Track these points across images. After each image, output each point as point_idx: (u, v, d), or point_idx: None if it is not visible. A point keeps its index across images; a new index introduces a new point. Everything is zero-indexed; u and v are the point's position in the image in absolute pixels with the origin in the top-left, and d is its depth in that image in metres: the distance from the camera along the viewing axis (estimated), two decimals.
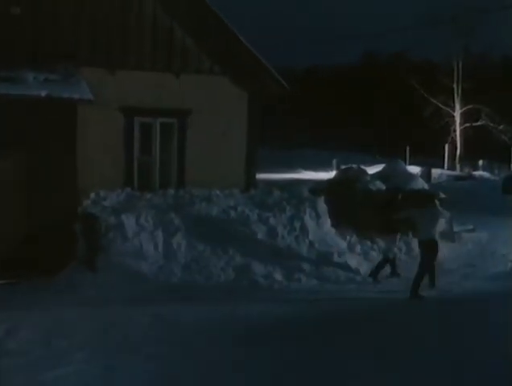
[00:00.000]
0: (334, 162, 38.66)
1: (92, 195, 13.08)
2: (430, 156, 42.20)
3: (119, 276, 11.19)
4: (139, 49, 14.32)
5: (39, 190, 11.87)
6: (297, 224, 13.75)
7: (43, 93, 11.82)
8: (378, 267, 13.02)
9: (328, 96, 57.62)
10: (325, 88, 59.42)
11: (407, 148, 41.83)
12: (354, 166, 18.15)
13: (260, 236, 13.19)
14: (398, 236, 13.60)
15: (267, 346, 8.52)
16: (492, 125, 43.67)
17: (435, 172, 36.00)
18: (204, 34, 14.79)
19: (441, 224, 12.17)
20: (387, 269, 13.23)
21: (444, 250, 15.40)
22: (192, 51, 14.82)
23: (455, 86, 45.33)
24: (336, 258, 13.36)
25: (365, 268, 13.37)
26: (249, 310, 10.39)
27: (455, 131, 45.64)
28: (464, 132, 45.33)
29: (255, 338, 8.94)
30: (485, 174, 37.84)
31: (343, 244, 14.24)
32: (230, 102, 15.18)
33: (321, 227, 14.12)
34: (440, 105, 44.93)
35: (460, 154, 44.70)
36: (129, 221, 11.99)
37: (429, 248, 11.70)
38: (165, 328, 9.31)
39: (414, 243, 15.37)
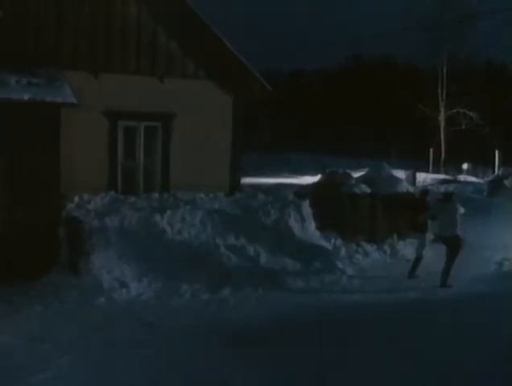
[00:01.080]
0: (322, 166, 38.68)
1: (76, 199, 12.99)
2: (415, 159, 42.41)
3: (103, 279, 11.10)
4: (123, 53, 14.27)
5: (21, 194, 11.76)
6: (282, 227, 13.73)
7: (26, 97, 11.72)
8: (414, 266, 13.44)
9: (314, 100, 57.79)
10: (311, 92, 59.59)
11: (394, 151, 42.00)
12: (339, 169, 18.21)
13: (244, 239, 13.13)
14: (427, 236, 13.83)
15: (253, 349, 8.49)
16: (476, 128, 43.96)
17: (420, 176, 36.13)
18: (188, 38, 14.78)
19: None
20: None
21: (429, 252, 15.50)
22: (176, 55, 14.80)
23: (439, 90, 45.64)
24: (321, 261, 13.35)
25: (350, 271, 13.39)
26: (234, 313, 10.38)
27: (439, 135, 45.91)
28: (448, 136, 45.59)
29: (241, 341, 8.91)
30: (470, 178, 38.05)
31: (328, 247, 14.24)
32: (215, 106, 15.17)
33: (306, 230, 14.12)
34: (425, 109, 45.18)
35: (444, 158, 44.95)
36: (112, 224, 11.91)
37: (453, 244, 12.73)
38: (148, 332, 9.27)
39: (400, 245, 15.51)
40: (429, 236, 13.98)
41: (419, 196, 14.59)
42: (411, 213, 13.87)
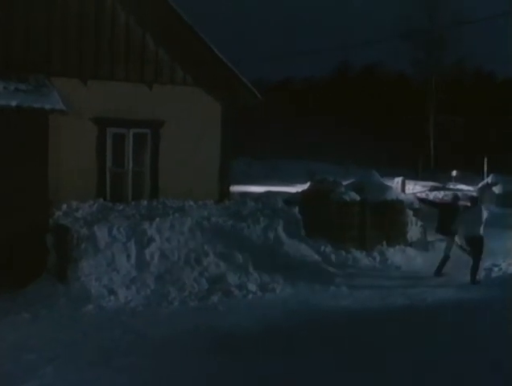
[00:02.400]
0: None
1: (64, 206, 12.92)
2: (404, 167, 42.56)
3: (91, 287, 11.03)
4: (112, 60, 14.23)
5: (9, 201, 11.68)
6: (271, 235, 13.72)
7: (14, 103, 11.68)
8: (441, 265, 14.27)
9: (302, 107, 57.91)
10: (299, 99, 59.72)
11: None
12: (328, 177, 18.21)
13: (234, 246, 13.11)
14: (456, 238, 14.57)
15: (240, 358, 8.45)
16: (465, 135, 44.23)
17: (409, 183, 36.26)
18: (177, 45, 14.78)
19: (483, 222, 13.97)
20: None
21: (418, 259, 15.56)
22: (165, 62, 14.79)
23: (428, 98, 45.88)
24: (310, 268, 13.34)
25: (339, 278, 13.38)
26: (223, 321, 10.33)
27: (429, 142, 46.12)
28: (437, 143, 45.81)
29: (230, 349, 8.86)
30: (460, 185, 38.20)
31: (317, 254, 14.24)
32: (203, 112, 15.16)
33: (295, 238, 14.10)
34: (414, 117, 45.41)
35: (433, 165, 45.15)
36: (101, 232, 11.84)
37: (479, 243, 13.79)
38: (136, 340, 9.21)
39: (389, 252, 15.53)
40: (456, 238, 14.61)
41: (451, 201, 15.24)
42: (444, 216, 14.57)
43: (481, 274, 14.02)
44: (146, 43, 14.56)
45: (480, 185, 31.79)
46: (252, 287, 12.22)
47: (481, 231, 13.89)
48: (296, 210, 14.97)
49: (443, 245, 15.49)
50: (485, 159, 39.28)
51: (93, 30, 14.01)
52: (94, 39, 14.02)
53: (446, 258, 14.40)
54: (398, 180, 34.03)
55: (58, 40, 13.65)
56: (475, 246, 13.90)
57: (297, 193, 17.84)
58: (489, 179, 31.35)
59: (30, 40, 13.37)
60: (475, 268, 13.69)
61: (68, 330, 9.54)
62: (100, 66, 14.11)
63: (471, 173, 41.28)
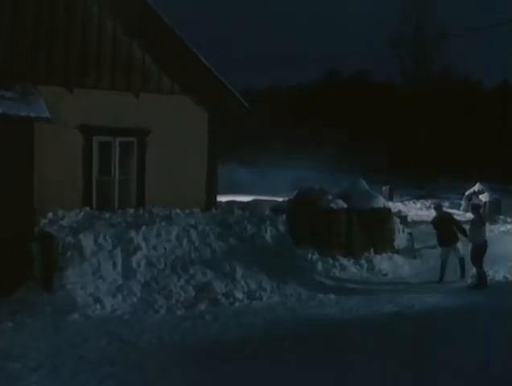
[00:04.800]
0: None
1: (50, 215, 12.84)
2: (392, 175, 42.69)
3: (77, 295, 10.95)
4: (98, 68, 14.20)
5: None
6: (258, 243, 13.71)
7: None
8: (442, 271, 14.67)
9: (290, 115, 57.95)
10: (287, 108, 59.76)
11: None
12: (315, 185, 18.22)
13: (221, 254, 13.09)
14: (459, 244, 14.98)
15: (227, 366, 8.41)
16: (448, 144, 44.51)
17: (397, 191, 36.37)
18: (164, 54, 14.78)
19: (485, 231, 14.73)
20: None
21: (405, 266, 15.59)
22: (152, 71, 14.77)
23: (415, 107, 46.13)
24: (297, 276, 13.33)
25: (326, 286, 13.36)
26: (210, 329, 10.29)
27: (417, 150, 46.32)
28: (425, 151, 46.03)
29: (216, 357, 8.82)
30: (447, 193, 38.32)
31: (305, 262, 14.23)
32: (191, 121, 15.15)
33: (282, 245, 14.10)
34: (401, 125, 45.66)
35: (420, 173, 45.33)
36: (87, 240, 11.78)
37: (481, 249, 14.19)
38: (122, 348, 9.15)
39: (377, 259, 15.53)
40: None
41: (472, 211, 15.84)
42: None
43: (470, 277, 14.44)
44: (133, 51, 14.54)
45: (467, 193, 31.92)
46: (239, 295, 12.20)
47: (485, 237, 14.40)
48: (283, 218, 14.98)
49: (431, 253, 15.58)
50: (474, 168, 39.48)
51: (80, 39, 13.98)
52: (81, 48, 13.99)
53: (444, 263, 14.70)
54: (385, 188, 34.16)
55: (44, 48, 13.62)
56: (479, 251, 14.19)
57: (284, 201, 17.83)
58: (475, 187, 31.49)
59: (17, 48, 13.33)
60: (481, 273, 14.15)
61: (52, 339, 9.46)
62: (86, 74, 14.07)
63: (459, 181, 41.42)
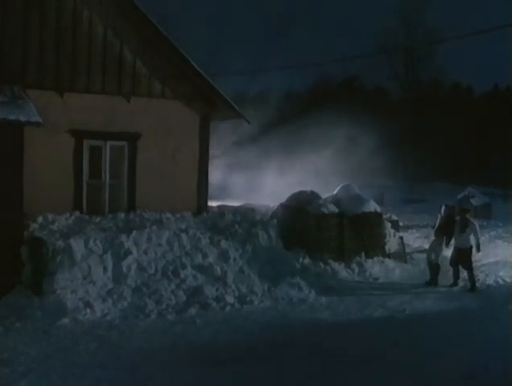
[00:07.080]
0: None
1: (40, 219, 12.80)
2: (384, 179, 42.70)
3: (67, 300, 10.89)
4: (89, 72, 14.18)
5: None
6: (249, 247, 13.69)
7: None
8: (434, 275, 14.70)
9: (281, 120, 57.85)
10: (278, 112, 59.62)
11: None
12: (307, 190, 18.17)
13: (212, 258, 13.06)
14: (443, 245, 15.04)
15: (218, 370, 8.39)
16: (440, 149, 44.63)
17: (388, 195, 36.41)
18: (155, 58, 14.78)
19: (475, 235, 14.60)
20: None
21: (396, 270, 15.59)
22: (142, 75, 14.76)
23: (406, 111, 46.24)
24: (288, 280, 13.31)
25: (317, 290, 13.34)
26: (201, 334, 10.25)
27: (408, 155, 46.40)
28: (416, 155, 46.11)
29: (207, 362, 8.80)
30: (439, 197, 38.38)
31: (296, 266, 14.21)
32: (181, 125, 15.15)
33: (273, 250, 14.08)
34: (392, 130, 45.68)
35: (411, 178, 45.42)
36: (77, 245, 11.73)
37: (469, 253, 14.40)
38: (112, 353, 9.11)
39: (368, 264, 15.52)
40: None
41: (459, 213, 15.41)
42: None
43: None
44: (124, 55, 14.53)
45: (458, 197, 31.99)
46: (230, 299, 12.16)
47: (474, 241, 14.47)
48: (274, 222, 14.96)
49: (421, 257, 15.58)
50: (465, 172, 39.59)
51: (70, 42, 13.95)
52: (71, 51, 13.96)
53: (437, 267, 14.76)
54: (376, 192, 34.15)
55: (34, 52, 13.58)
56: (469, 256, 14.39)
57: (275, 205, 17.80)
58: (466, 192, 31.57)
59: (6, 51, 13.29)
60: (472, 276, 14.28)
61: (42, 343, 9.42)
62: (77, 78, 14.04)
63: (451, 185, 41.51)
